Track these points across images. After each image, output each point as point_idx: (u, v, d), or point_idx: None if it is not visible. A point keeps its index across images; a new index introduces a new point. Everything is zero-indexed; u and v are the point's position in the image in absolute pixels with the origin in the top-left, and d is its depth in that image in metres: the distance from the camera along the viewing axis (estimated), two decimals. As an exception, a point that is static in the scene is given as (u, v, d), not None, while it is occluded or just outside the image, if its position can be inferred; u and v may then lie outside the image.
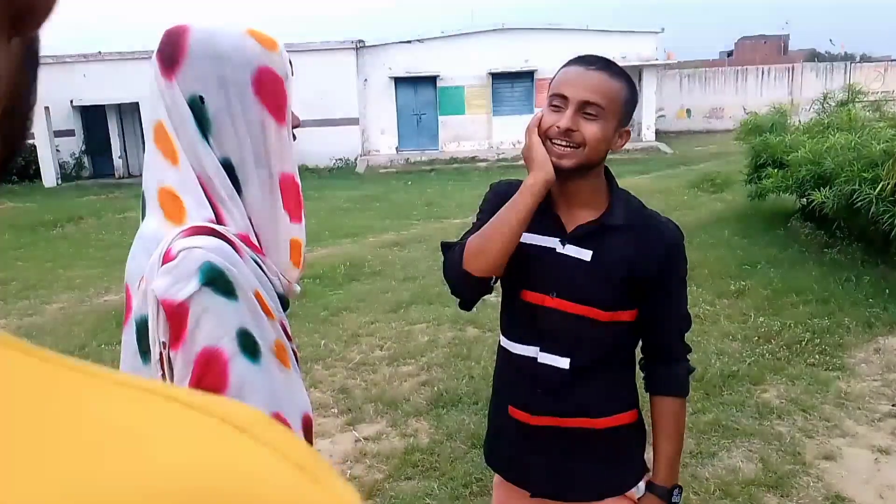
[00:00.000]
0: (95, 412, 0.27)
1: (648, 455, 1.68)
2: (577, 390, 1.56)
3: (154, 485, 0.24)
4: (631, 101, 1.50)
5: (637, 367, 1.68)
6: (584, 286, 1.52)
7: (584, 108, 1.45)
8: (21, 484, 0.23)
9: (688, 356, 1.64)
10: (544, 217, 1.53)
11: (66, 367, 0.28)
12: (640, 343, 1.65)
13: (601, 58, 1.51)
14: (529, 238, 1.53)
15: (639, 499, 1.61)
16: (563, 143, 1.46)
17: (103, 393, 0.28)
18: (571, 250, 1.52)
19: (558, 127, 1.45)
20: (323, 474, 0.29)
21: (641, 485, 1.63)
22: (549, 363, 1.55)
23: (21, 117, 0.34)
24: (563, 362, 1.54)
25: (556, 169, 1.46)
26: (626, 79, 1.50)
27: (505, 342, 1.65)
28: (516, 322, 1.63)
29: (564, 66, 1.53)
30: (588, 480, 1.62)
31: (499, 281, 1.59)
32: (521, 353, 1.60)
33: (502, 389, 1.69)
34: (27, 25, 0.31)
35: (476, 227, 1.57)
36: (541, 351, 1.56)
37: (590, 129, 1.45)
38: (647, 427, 1.71)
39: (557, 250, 1.53)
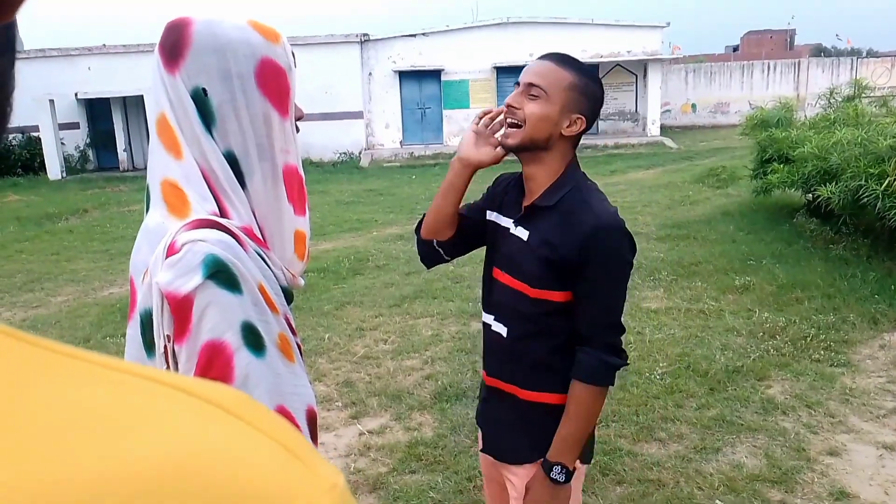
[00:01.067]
0: (81, 394, 0.27)
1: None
2: (513, 359, 1.72)
3: (140, 465, 0.25)
4: (579, 88, 1.61)
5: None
6: (519, 263, 1.67)
7: (528, 89, 1.61)
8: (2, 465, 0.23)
9: (615, 346, 1.65)
10: (514, 202, 1.73)
11: (51, 350, 0.28)
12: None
13: (560, 53, 1.68)
14: (498, 219, 1.75)
15: (529, 473, 1.71)
16: (509, 122, 1.65)
17: (89, 375, 0.28)
18: (518, 231, 1.69)
19: (507, 102, 1.64)
20: (307, 455, 0.29)
21: (559, 468, 1.70)
22: (496, 330, 1.74)
23: (2, 101, 0.33)
24: (503, 330, 1.72)
25: (505, 148, 1.67)
26: (579, 70, 1.63)
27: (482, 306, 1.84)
28: (485, 293, 1.81)
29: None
30: (510, 444, 1.77)
31: (461, 255, 1.88)
32: (485, 320, 1.80)
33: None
34: (5, 11, 0.31)
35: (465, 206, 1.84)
36: (494, 320, 1.75)
37: (529, 107, 1.61)
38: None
39: (510, 230, 1.71)
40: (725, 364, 4.43)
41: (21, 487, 0.23)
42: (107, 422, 0.26)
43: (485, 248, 1.83)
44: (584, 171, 1.72)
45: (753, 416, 3.81)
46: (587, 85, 1.63)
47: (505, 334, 1.71)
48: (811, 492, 3.13)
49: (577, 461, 1.68)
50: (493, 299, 1.75)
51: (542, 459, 1.67)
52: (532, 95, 1.60)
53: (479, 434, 1.90)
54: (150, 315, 1.07)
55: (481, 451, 1.87)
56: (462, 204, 1.81)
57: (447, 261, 1.87)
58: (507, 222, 1.72)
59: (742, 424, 3.72)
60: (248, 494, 0.26)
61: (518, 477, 1.74)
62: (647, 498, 3.11)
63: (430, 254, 1.85)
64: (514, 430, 1.75)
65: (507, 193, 1.77)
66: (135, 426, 0.26)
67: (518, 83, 1.65)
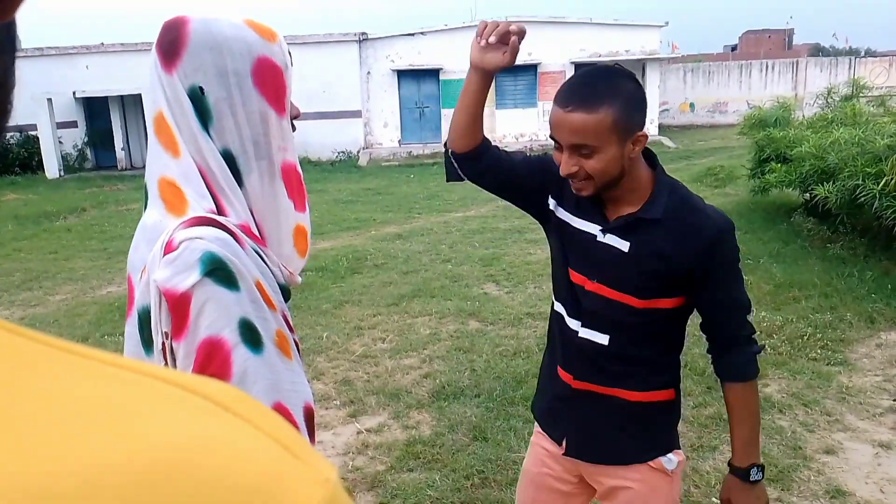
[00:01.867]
0: (76, 388, 0.27)
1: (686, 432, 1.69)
2: (616, 365, 1.66)
3: (135, 458, 0.25)
4: (624, 114, 1.47)
5: (682, 351, 1.75)
6: (620, 275, 1.60)
7: (576, 150, 1.49)
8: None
9: (753, 337, 1.66)
10: (589, 203, 1.62)
11: (47, 345, 0.28)
12: (702, 328, 1.69)
13: (581, 89, 1.50)
14: (575, 221, 1.65)
15: (724, 480, 1.69)
16: (575, 180, 1.54)
17: (85, 370, 0.28)
18: (611, 239, 1.60)
19: (561, 171, 1.54)
20: (300, 449, 0.30)
21: (672, 456, 1.70)
22: (590, 338, 1.65)
23: (2, 99, 0.34)
24: (603, 338, 1.64)
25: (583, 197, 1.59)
26: (611, 96, 1.47)
27: (558, 307, 1.75)
28: (563, 294, 1.73)
29: (554, 98, 1.54)
30: (614, 446, 1.71)
31: (479, 182, 1.77)
32: (568, 324, 1.70)
33: (554, 349, 1.79)
34: (4, 9, 0.31)
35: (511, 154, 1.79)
36: (582, 326, 1.66)
37: (590, 165, 1.50)
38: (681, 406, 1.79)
39: (598, 238, 1.61)
40: (723, 363, 4.43)
41: (16, 479, 0.23)
42: (101, 416, 0.26)
43: (548, 242, 1.77)
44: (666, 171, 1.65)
45: (750, 414, 3.82)
46: (624, 105, 1.48)
47: (606, 342, 1.64)
48: (807, 490, 3.14)
49: (680, 451, 1.72)
50: (585, 309, 1.66)
51: (661, 457, 1.68)
52: (584, 154, 1.49)
53: (546, 441, 1.81)
54: (149, 312, 1.08)
55: (565, 454, 1.75)
56: (523, 152, 1.80)
57: (462, 179, 1.78)
58: (589, 227, 1.62)
59: (739, 423, 3.72)
60: (240, 487, 0.26)
61: (627, 479, 1.70)
62: (644, 496, 3.11)
63: (448, 164, 1.77)
64: (620, 432, 1.70)
65: (570, 186, 1.62)
66: (129, 420, 0.26)
67: (556, 142, 1.53)
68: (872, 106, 8.69)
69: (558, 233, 1.69)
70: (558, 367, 1.75)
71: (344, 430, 3.87)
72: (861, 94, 9.23)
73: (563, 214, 1.67)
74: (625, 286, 1.59)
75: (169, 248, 1.05)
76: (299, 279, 1.29)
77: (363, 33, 21.68)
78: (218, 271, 1.04)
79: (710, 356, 1.70)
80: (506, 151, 1.77)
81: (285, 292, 1.22)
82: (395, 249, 8.37)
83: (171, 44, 1.12)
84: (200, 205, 1.12)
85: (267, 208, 1.20)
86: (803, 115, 10.03)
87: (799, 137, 7.81)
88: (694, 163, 15.61)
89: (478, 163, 1.72)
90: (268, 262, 1.16)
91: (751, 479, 1.62)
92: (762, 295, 5.72)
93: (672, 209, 1.57)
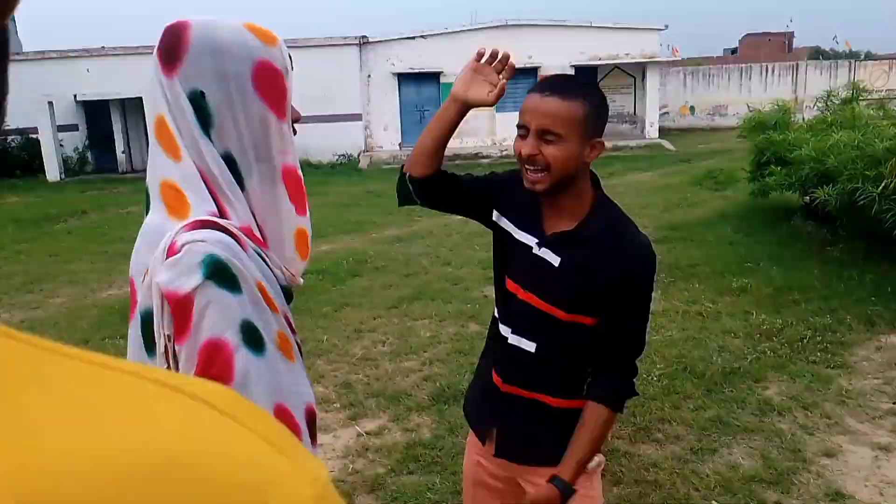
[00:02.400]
0: (56, 388, 0.27)
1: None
2: (540, 372, 1.72)
3: (124, 459, 0.25)
4: (593, 113, 1.56)
5: None
6: (549, 288, 1.66)
7: (543, 134, 1.56)
8: None
9: (633, 379, 1.69)
10: (530, 216, 1.69)
11: (35, 346, 0.28)
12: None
13: (559, 80, 1.61)
14: (515, 232, 1.72)
15: (540, 487, 1.67)
16: (532, 169, 1.59)
17: (77, 372, 0.28)
18: (544, 252, 1.66)
19: (521, 153, 1.59)
20: (293, 450, 0.30)
21: (592, 461, 1.74)
22: (518, 345, 1.72)
23: None
24: (530, 346, 1.71)
25: (537, 193, 1.62)
26: (586, 94, 1.57)
27: (496, 312, 1.83)
28: (499, 300, 1.81)
29: (528, 91, 1.63)
30: (538, 448, 1.76)
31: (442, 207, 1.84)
32: (499, 331, 1.78)
33: (488, 352, 1.89)
34: None
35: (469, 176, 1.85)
36: (512, 333, 1.74)
37: (550, 152, 1.55)
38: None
39: (533, 250, 1.67)
40: (722, 365, 4.44)
41: (7, 479, 0.23)
42: (89, 417, 0.26)
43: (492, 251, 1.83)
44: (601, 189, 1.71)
45: (750, 417, 3.83)
46: (599, 106, 1.59)
47: (533, 349, 1.70)
48: (807, 492, 3.14)
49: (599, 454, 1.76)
50: (514, 314, 1.73)
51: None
52: (549, 139, 1.55)
53: (474, 439, 1.89)
54: (151, 315, 1.09)
55: (494, 455, 1.82)
56: (467, 174, 1.85)
57: (416, 203, 1.80)
58: (527, 239, 1.69)
59: (739, 426, 3.73)
60: (230, 486, 0.26)
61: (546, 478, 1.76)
62: (644, 499, 3.12)
63: (403, 188, 1.80)
64: (544, 434, 1.75)
65: (516, 198, 1.70)
66: (118, 421, 0.26)
67: (523, 126, 1.59)
68: (872, 109, 8.69)
69: (500, 242, 1.77)
70: (492, 369, 1.82)
71: (344, 433, 3.88)
72: (861, 98, 9.22)
73: (505, 224, 1.74)
74: (552, 298, 1.66)
75: (171, 251, 1.06)
76: (301, 281, 1.30)
77: (363, 37, 21.70)
78: (220, 274, 1.04)
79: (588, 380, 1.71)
80: (453, 174, 1.82)
81: (287, 294, 1.23)
82: (396, 252, 8.37)
83: (172, 48, 1.13)
84: (202, 208, 1.12)
85: (268, 211, 1.20)
86: (803, 118, 10.03)
87: (798, 140, 7.81)
88: (694, 166, 15.62)
89: (434, 188, 1.78)
90: (269, 264, 1.17)
91: (567, 498, 1.63)
92: (761, 298, 5.73)
93: (604, 230, 1.63)
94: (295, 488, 0.28)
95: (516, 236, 1.71)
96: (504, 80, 1.65)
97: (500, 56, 1.66)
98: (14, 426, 0.25)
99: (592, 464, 1.74)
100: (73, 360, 0.29)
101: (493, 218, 1.78)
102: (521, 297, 1.70)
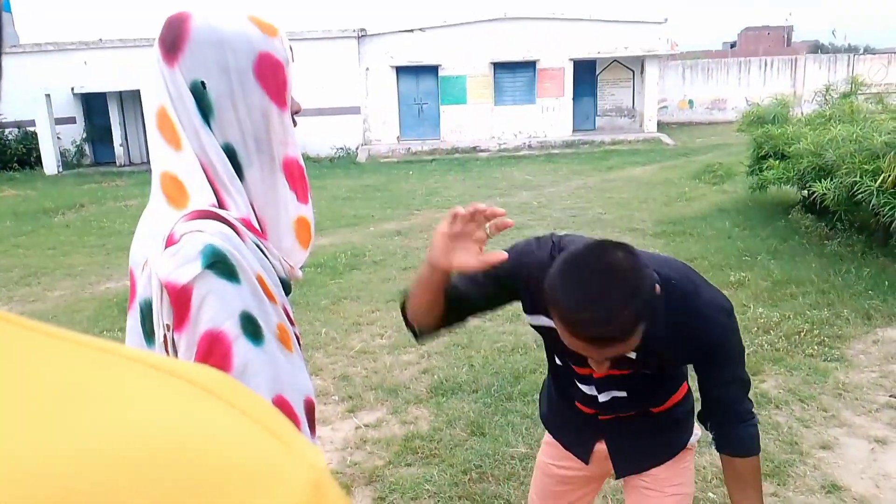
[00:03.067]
0: (52, 371, 0.27)
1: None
2: (637, 402, 1.74)
3: (118, 442, 0.25)
4: (645, 309, 1.30)
5: None
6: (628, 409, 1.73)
7: (606, 360, 1.42)
8: None
9: (753, 411, 1.64)
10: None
11: (26, 328, 0.28)
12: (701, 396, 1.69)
13: (599, 326, 1.29)
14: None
15: None
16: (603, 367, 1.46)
17: (65, 353, 0.28)
18: (607, 396, 1.69)
19: (600, 372, 1.50)
20: (290, 437, 0.30)
21: (692, 438, 1.82)
22: (608, 399, 1.72)
23: None
24: (622, 393, 1.70)
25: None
26: (631, 308, 1.28)
27: (560, 362, 1.74)
28: (568, 371, 1.73)
29: (561, 319, 1.32)
30: (654, 450, 1.80)
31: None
32: (580, 387, 1.72)
33: (565, 388, 1.79)
34: None
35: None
36: (598, 391, 1.71)
37: (622, 351, 1.38)
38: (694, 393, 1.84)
39: (600, 399, 1.70)
40: (720, 359, 4.45)
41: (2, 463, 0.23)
42: (85, 400, 0.26)
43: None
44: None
45: (747, 410, 3.84)
46: (643, 300, 1.30)
47: (626, 395, 1.70)
48: (803, 485, 3.15)
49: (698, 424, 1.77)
50: (595, 381, 1.68)
51: (688, 442, 1.80)
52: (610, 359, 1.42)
53: (573, 455, 1.87)
54: (150, 305, 1.09)
55: (616, 478, 1.87)
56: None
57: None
58: (591, 390, 1.71)
59: (736, 418, 3.74)
60: (227, 471, 0.26)
61: (656, 476, 1.79)
62: (641, 491, 3.13)
63: (409, 328, 1.63)
64: (656, 437, 1.80)
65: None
66: (114, 404, 0.26)
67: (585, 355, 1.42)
68: (871, 103, 8.70)
69: (546, 335, 1.62)
70: (577, 403, 1.76)
71: (342, 426, 3.89)
72: (859, 92, 9.24)
73: (547, 322, 1.51)
74: (637, 402, 1.73)
75: (170, 242, 1.06)
76: (300, 273, 1.30)
77: (362, 29, 21.65)
78: (219, 264, 1.05)
79: (710, 430, 1.68)
80: (458, 290, 1.52)
81: (286, 286, 1.23)
82: (394, 246, 8.38)
83: (173, 39, 1.13)
84: (202, 198, 1.13)
85: (267, 202, 1.21)
86: (802, 112, 10.05)
87: (797, 134, 7.82)
88: (692, 160, 15.62)
89: (438, 332, 1.63)
90: (268, 256, 1.17)
91: None
92: (759, 291, 5.74)
93: (672, 323, 1.46)
94: (291, 474, 0.28)
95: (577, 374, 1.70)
96: (484, 258, 1.35)
97: (485, 212, 1.34)
98: (4, 411, 0.24)
99: (695, 439, 1.81)
100: (68, 342, 0.29)
101: (528, 320, 1.63)
102: (576, 369, 1.69)
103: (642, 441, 1.78)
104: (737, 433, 1.61)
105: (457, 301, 1.53)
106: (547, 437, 1.94)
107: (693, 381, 1.73)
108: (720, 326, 1.52)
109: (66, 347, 0.29)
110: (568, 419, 1.85)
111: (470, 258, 1.36)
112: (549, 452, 1.92)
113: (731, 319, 1.55)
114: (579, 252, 1.35)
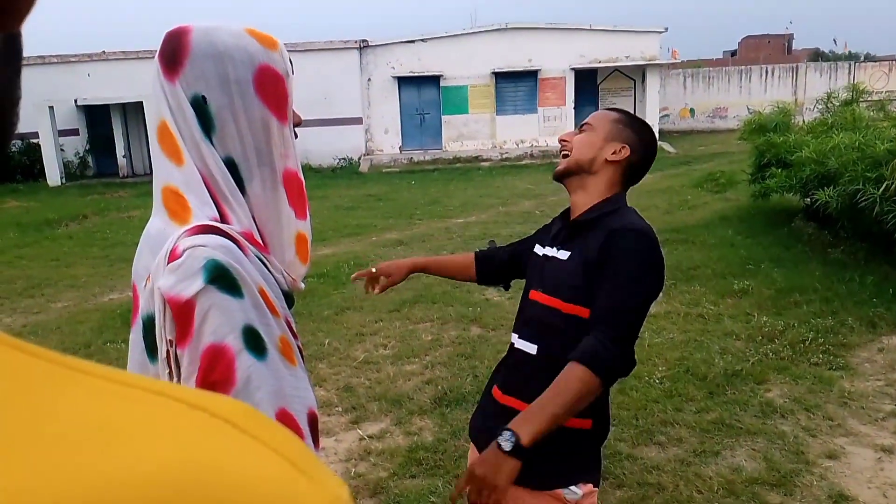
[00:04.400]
0: (78, 406, 0.27)
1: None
2: (540, 378, 1.64)
3: (142, 477, 0.25)
4: (624, 122, 1.76)
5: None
6: (556, 281, 1.72)
7: (581, 129, 1.79)
8: None
9: (620, 347, 1.54)
10: (554, 232, 1.83)
11: (50, 361, 0.28)
12: None
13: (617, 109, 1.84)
14: (539, 249, 1.83)
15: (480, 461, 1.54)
16: (562, 154, 1.79)
17: (86, 387, 0.28)
18: (558, 252, 1.75)
19: (559, 140, 1.83)
20: (313, 469, 0.30)
21: (575, 489, 1.66)
22: (522, 348, 1.76)
23: (4, 109, 0.35)
24: (532, 348, 1.73)
25: (555, 176, 1.82)
26: (629, 115, 1.80)
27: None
28: (518, 316, 1.86)
29: None
30: (529, 467, 1.63)
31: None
32: (512, 341, 1.83)
33: (496, 372, 1.93)
34: (9, 21, 0.32)
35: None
36: (518, 337, 1.79)
37: (577, 138, 1.77)
38: (605, 434, 1.80)
39: (550, 255, 1.78)
40: (724, 368, 4.44)
41: (24, 493, 0.23)
42: (110, 432, 0.26)
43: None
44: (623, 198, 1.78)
45: (752, 419, 3.82)
46: (633, 122, 1.77)
47: (534, 352, 1.72)
48: (810, 495, 3.13)
49: (588, 484, 1.68)
50: (524, 318, 1.80)
51: (563, 488, 1.65)
52: (582, 131, 1.77)
53: (474, 451, 1.85)
54: (153, 320, 1.09)
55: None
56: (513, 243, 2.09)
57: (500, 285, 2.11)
58: (549, 249, 1.79)
59: (741, 428, 3.72)
60: None
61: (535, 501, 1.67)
62: (646, 501, 3.11)
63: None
64: (538, 454, 1.59)
65: (553, 226, 1.86)
66: (135, 438, 0.26)
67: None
68: (872, 110, 8.70)
69: (530, 266, 1.87)
70: (494, 385, 1.86)
71: (346, 437, 3.87)
72: (861, 99, 9.24)
73: (536, 248, 1.87)
74: (556, 290, 1.71)
75: (173, 256, 1.06)
76: (302, 285, 1.30)
77: (364, 40, 21.74)
78: (221, 279, 1.05)
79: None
80: (505, 248, 2.10)
81: (289, 298, 1.23)
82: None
83: (174, 53, 1.13)
84: (204, 212, 1.13)
85: (269, 215, 1.20)
86: (803, 120, 10.04)
87: (799, 142, 7.82)
88: (694, 168, 15.63)
89: (503, 273, 2.08)
90: (271, 269, 1.17)
91: (499, 441, 1.47)
92: (763, 300, 5.72)
93: (605, 218, 1.69)
94: None
95: (539, 252, 1.83)
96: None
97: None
98: (19, 443, 0.24)
99: (575, 496, 1.65)
100: (80, 373, 0.29)
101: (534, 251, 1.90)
102: (531, 297, 1.77)
103: None
104: (588, 341, 1.55)
105: (499, 254, 2.06)
106: (471, 451, 1.92)
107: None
108: (630, 230, 1.64)
109: (79, 379, 0.28)
110: (479, 411, 1.94)
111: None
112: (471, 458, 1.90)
113: (636, 235, 1.64)
114: None
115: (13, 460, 0.24)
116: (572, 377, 1.52)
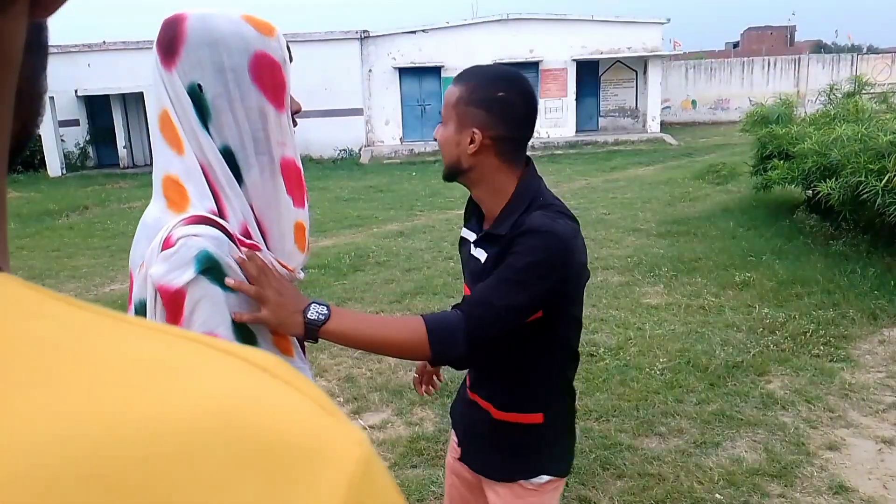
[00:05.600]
0: (122, 349, 0.29)
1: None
2: (489, 378, 1.70)
3: (183, 414, 0.26)
4: (465, 100, 1.47)
5: (558, 376, 1.68)
6: (478, 280, 1.59)
7: (444, 116, 1.56)
8: (46, 408, 0.24)
9: (474, 329, 1.43)
10: (476, 213, 1.68)
11: (94, 312, 0.30)
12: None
13: (466, 69, 1.57)
14: (464, 232, 1.74)
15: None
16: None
17: (132, 333, 0.30)
18: (477, 251, 1.64)
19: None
20: (337, 412, 0.32)
21: (539, 479, 1.66)
22: None
23: (31, 100, 0.35)
24: None
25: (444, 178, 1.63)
26: (467, 81, 1.50)
27: None
28: None
29: None
30: (487, 460, 1.74)
31: None
32: None
33: None
34: (44, 9, 0.33)
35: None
36: None
37: (439, 136, 1.56)
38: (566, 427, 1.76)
39: (471, 250, 1.66)
40: (725, 359, 4.44)
41: (67, 432, 0.24)
42: (149, 373, 0.27)
43: None
44: (541, 181, 1.57)
45: (753, 410, 3.82)
46: (473, 93, 1.48)
47: None
48: (810, 486, 3.14)
49: (550, 476, 1.67)
50: None
51: (526, 479, 1.65)
52: (442, 123, 1.56)
53: (454, 437, 1.89)
54: (145, 305, 1.09)
55: (459, 459, 1.82)
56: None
57: None
58: (471, 237, 1.69)
59: (742, 419, 3.73)
60: (286, 444, 0.28)
61: (498, 495, 1.70)
62: (647, 492, 3.12)
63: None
64: (491, 447, 1.72)
65: (473, 206, 1.70)
66: (176, 378, 0.28)
67: None
68: (875, 102, 8.68)
69: (460, 250, 1.78)
70: (466, 377, 1.84)
71: (347, 427, 3.88)
72: (863, 91, 9.22)
73: (464, 231, 1.74)
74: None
75: (167, 245, 1.06)
76: (301, 275, 1.29)
77: (365, 31, 21.68)
78: (213, 270, 1.05)
79: None
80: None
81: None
82: (397, 247, 8.37)
83: (170, 41, 1.13)
84: (202, 203, 1.12)
85: (268, 204, 1.20)
86: (805, 112, 10.03)
87: (801, 134, 7.80)
88: (696, 160, 15.60)
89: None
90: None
91: (307, 315, 1.28)
92: (765, 292, 5.72)
93: (518, 224, 1.49)
94: (345, 448, 0.30)
95: (465, 236, 1.72)
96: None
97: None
98: (63, 389, 0.25)
99: (540, 481, 1.65)
100: (127, 323, 0.31)
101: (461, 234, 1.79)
102: (466, 294, 1.65)
103: (482, 442, 1.73)
104: (449, 316, 1.46)
105: None
106: (452, 434, 1.93)
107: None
108: (528, 226, 1.46)
109: (127, 328, 0.30)
110: (457, 397, 1.92)
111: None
112: (450, 447, 1.93)
113: (538, 237, 1.44)
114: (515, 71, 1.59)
115: (61, 393, 0.25)
116: (409, 328, 1.42)
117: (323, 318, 1.30)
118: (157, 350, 0.29)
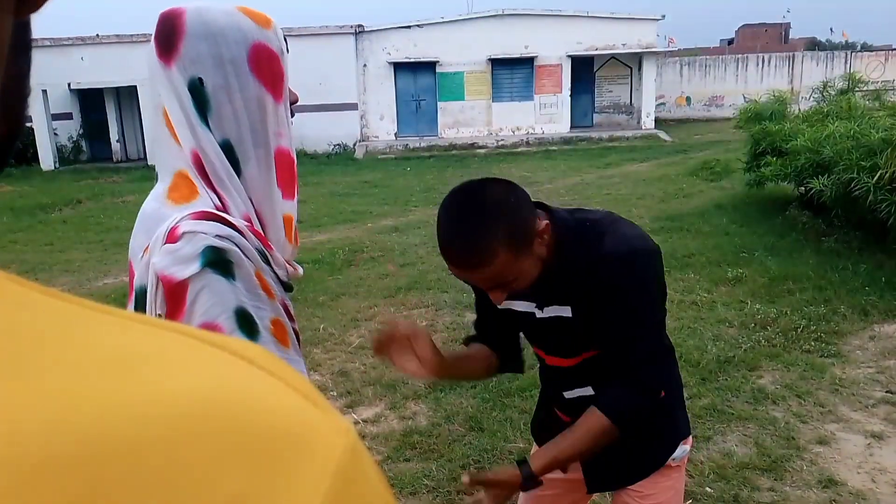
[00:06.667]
0: (104, 339, 0.29)
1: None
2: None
3: (165, 404, 0.26)
4: (514, 242, 1.37)
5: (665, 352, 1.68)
6: (554, 343, 1.64)
7: (494, 287, 1.44)
8: (23, 398, 0.24)
9: (643, 390, 1.50)
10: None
11: (73, 303, 0.30)
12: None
13: (459, 252, 1.40)
14: (513, 304, 1.61)
15: (506, 468, 1.57)
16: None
17: (114, 324, 0.30)
18: (549, 312, 1.58)
19: (500, 305, 1.55)
20: (322, 402, 0.31)
21: (678, 451, 1.71)
22: (577, 396, 1.66)
23: (17, 100, 0.35)
24: (587, 391, 1.64)
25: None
26: (493, 238, 1.35)
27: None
28: (548, 377, 1.79)
29: (440, 251, 1.45)
30: (629, 466, 1.70)
31: None
32: (553, 389, 1.75)
33: (546, 390, 1.84)
34: (33, 5, 0.32)
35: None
36: (563, 391, 1.69)
37: (514, 285, 1.45)
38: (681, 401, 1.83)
39: (539, 315, 1.59)
40: (717, 354, 4.47)
41: (59, 414, 0.24)
42: (130, 364, 0.27)
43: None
44: (557, 211, 1.52)
45: (744, 405, 3.85)
46: (510, 232, 1.37)
47: (592, 392, 1.62)
48: (800, 479, 3.17)
49: (686, 439, 1.72)
50: (551, 375, 1.74)
51: (670, 458, 1.69)
52: (505, 285, 1.43)
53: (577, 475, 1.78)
54: (146, 291, 1.09)
55: (588, 492, 1.77)
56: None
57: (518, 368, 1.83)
58: (526, 307, 1.60)
59: (733, 414, 3.76)
60: (271, 434, 0.28)
61: (644, 491, 1.71)
62: (638, 486, 3.14)
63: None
64: (629, 451, 1.65)
65: None
66: (158, 368, 0.28)
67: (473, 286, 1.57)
68: (868, 100, 8.71)
69: (511, 320, 1.68)
70: (556, 410, 1.77)
71: (340, 421, 3.89)
72: (857, 88, 9.25)
73: (504, 305, 1.59)
74: (556, 351, 1.65)
75: (172, 236, 1.06)
76: (301, 270, 1.31)
77: (359, 26, 21.62)
78: (217, 262, 1.05)
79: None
80: (481, 328, 1.81)
81: (287, 286, 1.24)
82: (392, 242, 8.38)
83: (168, 36, 1.13)
84: (210, 198, 1.13)
85: (264, 196, 1.21)
86: (799, 109, 10.05)
87: (794, 131, 7.83)
88: (690, 156, 15.63)
89: (505, 346, 1.78)
90: (272, 263, 1.18)
91: (526, 482, 1.49)
92: (757, 288, 5.75)
93: (592, 258, 1.46)
94: (330, 438, 0.29)
95: (516, 308, 1.62)
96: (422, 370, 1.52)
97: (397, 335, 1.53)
98: (47, 378, 0.25)
99: (681, 453, 1.71)
100: (112, 315, 0.31)
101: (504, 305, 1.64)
102: (549, 362, 1.71)
103: (612, 455, 1.59)
104: (613, 390, 1.50)
105: (488, 336, 1.76)
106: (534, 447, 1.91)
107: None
108: (605, 252, 1.44)
109: (107, 319, 0.30)
110: (549, 424, 1.80)
111: (410, 364, 1.52)
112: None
113: (623, 259, 1.43)
114: (459, 187, 1.46)
115: (45, 383, 0.25)
116: (590, 425, 1.50)
117: (533, 478, 1.48)
118: (142, 341, 0.29)
